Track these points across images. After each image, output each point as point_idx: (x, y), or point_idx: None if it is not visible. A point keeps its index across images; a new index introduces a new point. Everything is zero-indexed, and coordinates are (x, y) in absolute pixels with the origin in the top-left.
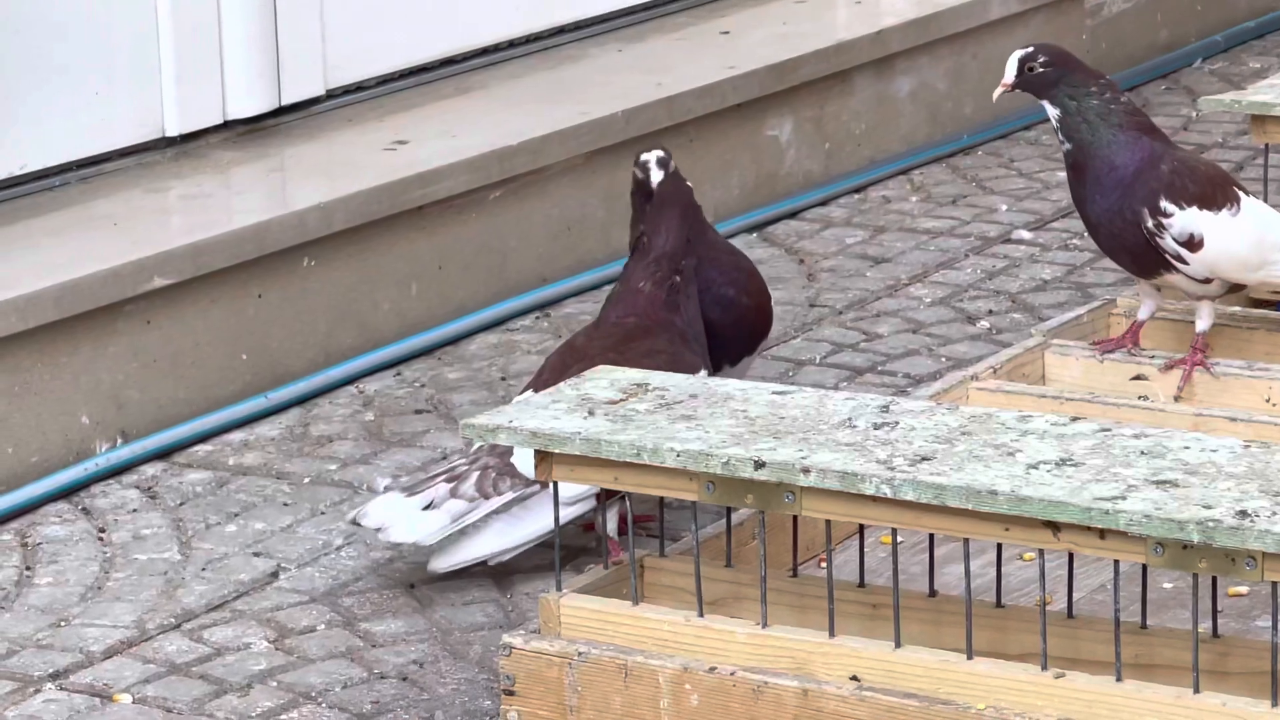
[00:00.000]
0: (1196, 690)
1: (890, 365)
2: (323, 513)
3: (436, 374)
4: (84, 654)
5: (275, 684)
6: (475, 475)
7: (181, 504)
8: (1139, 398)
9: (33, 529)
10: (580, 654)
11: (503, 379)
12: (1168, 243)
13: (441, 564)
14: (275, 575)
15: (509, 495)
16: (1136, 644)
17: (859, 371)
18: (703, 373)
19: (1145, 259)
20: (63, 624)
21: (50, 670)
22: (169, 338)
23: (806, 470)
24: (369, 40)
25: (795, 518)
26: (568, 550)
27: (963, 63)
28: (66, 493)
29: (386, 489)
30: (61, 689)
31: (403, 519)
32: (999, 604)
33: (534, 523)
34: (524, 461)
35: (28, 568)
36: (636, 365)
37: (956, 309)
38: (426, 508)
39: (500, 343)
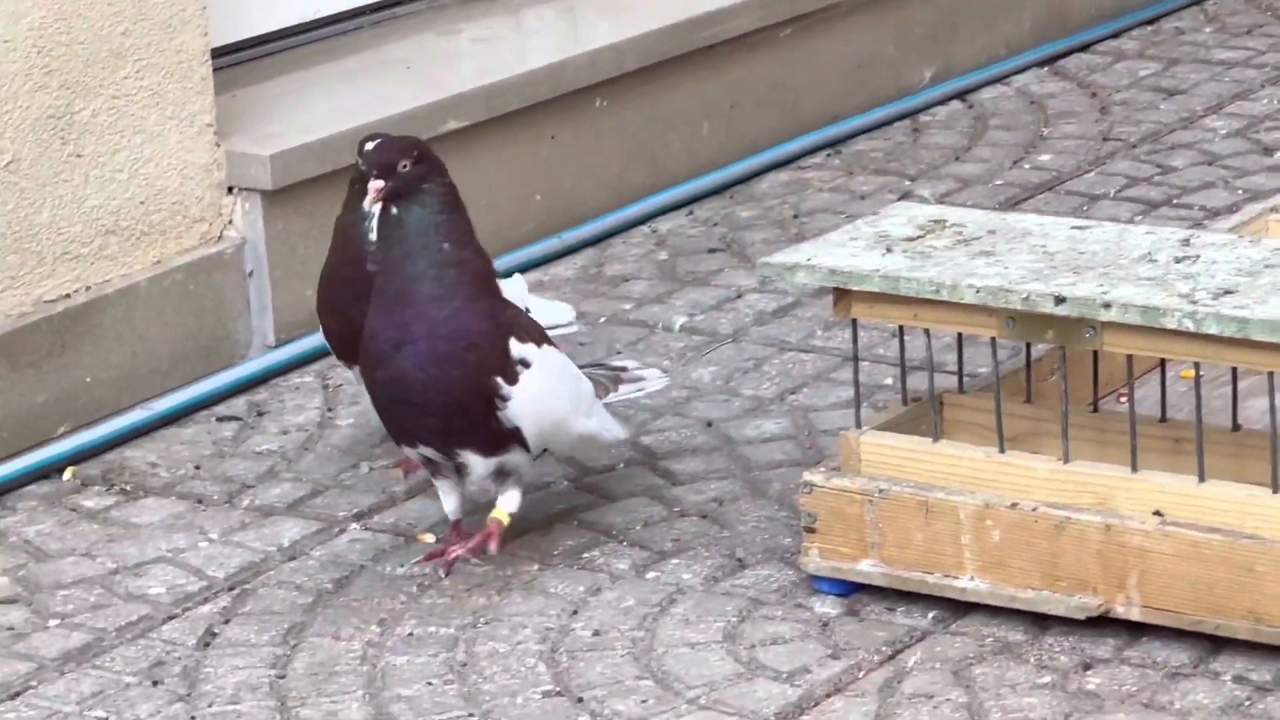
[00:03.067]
0: None
1: (1186, 198)
2: (619, 351)
3: (729, 212)
4: (387, 495)
5: (576, 522)
6: None
7: None
8: None
9: (333, 370)
10: (881, 490)
11: (795, 216)
12: None
13: None
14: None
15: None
16: None
17: (1154, 205)
18: None
19: None
20: (365, 465)
21: (354, 511)
22: (463, 180)
23: (1107, 305)
24: None
25: (1095, 353)
26: (865, 387)
27: None
28: None
29: None
30: (366, 529)
31: None
32: None
33: None
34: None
35: (330, 409)
36: None
37: (1252, 140)
38: None
39: (791, 180)
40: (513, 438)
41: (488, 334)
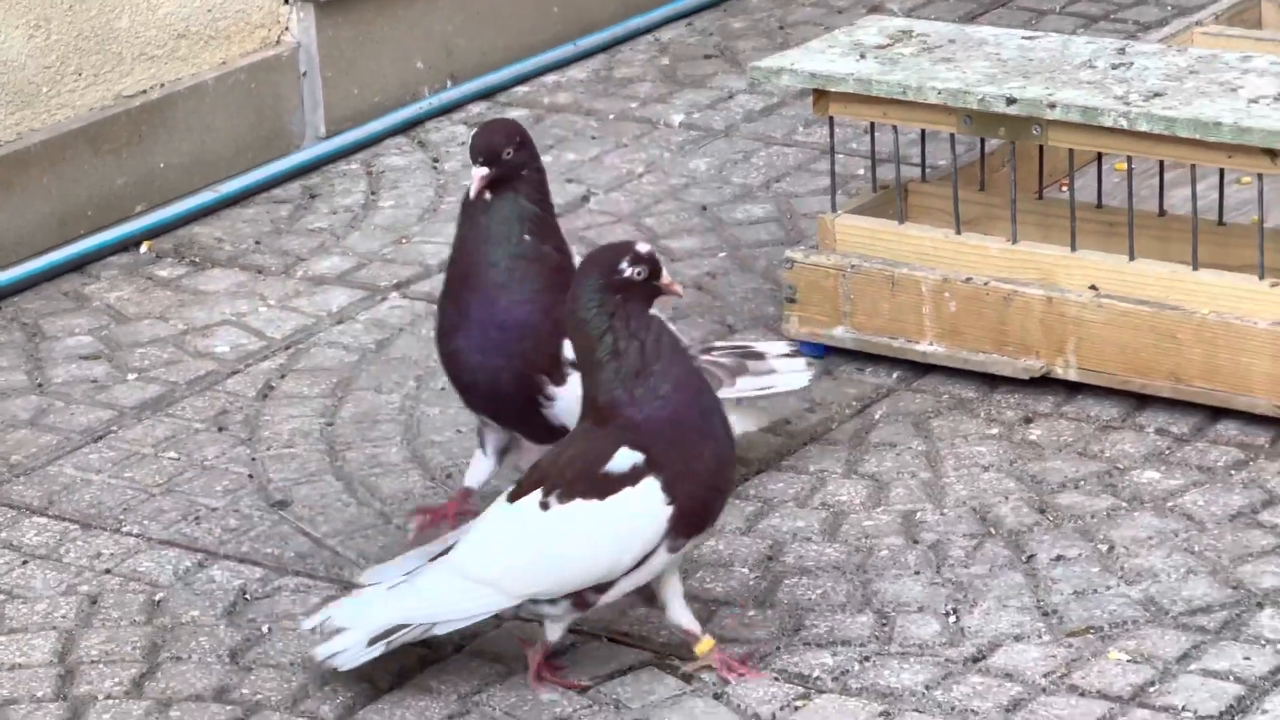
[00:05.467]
0: None
1: (1121, 14)
2: (625, 145)
3: (723, 23)
4: (422, 266)
5: None
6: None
7: None
8: None
9: (376, 159)
10: (853, 266)
11: (780, 27)
12: None
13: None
14: (586, 199)
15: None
16: None
17: (1094, 19)
18: None
19: None
20: (403, 241)
21: (395, 280)
22: None
23: (1052, 105)
24: None
25: (1041, 147)
26: (839, 177)
27: None
28: (404, 128)
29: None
30: (405, 297)
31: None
32: (1221, 222)
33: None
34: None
35: (373, 192)
36: None
37: None
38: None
39: None
40: (561, 434)
41: (542, 331)
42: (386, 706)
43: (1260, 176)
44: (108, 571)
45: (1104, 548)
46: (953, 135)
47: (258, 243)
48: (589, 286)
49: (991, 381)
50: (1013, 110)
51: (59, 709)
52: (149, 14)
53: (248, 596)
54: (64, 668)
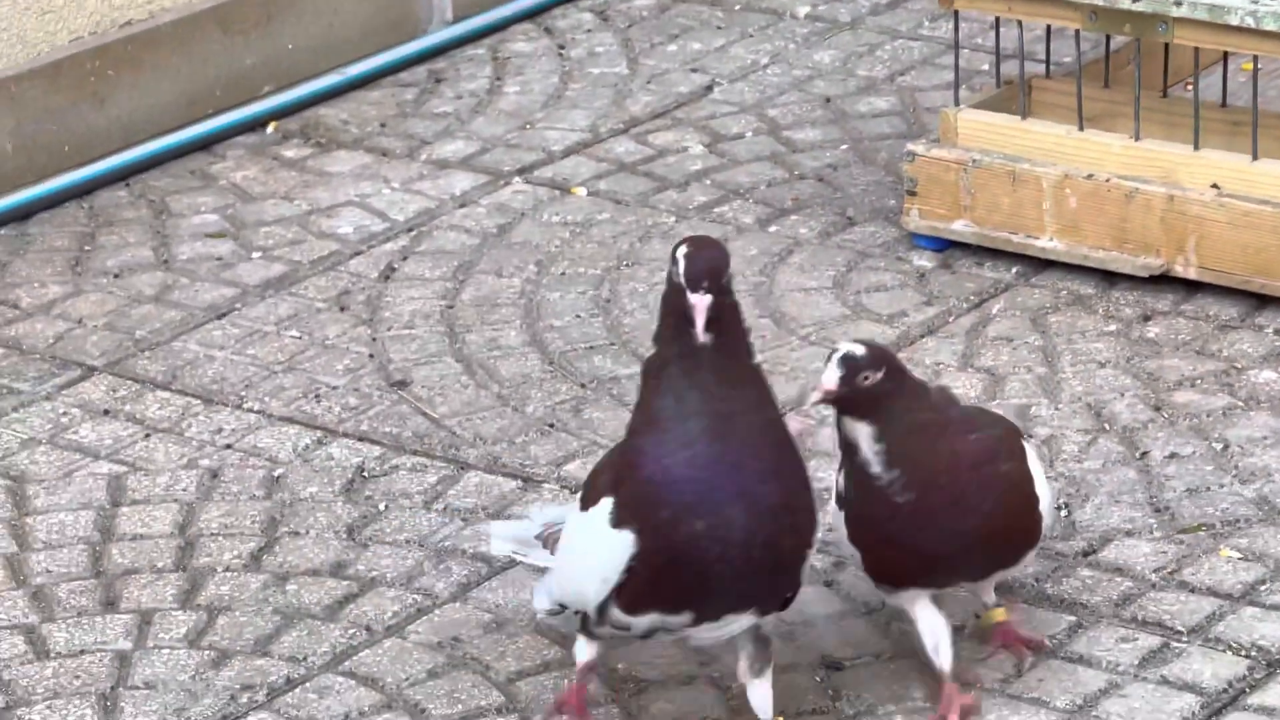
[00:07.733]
0: None
1: None
2: (751, 35)
3: None
4: (546, 153)
5: (709, 182)
6: None
7: (630, 26)
8: None
9: (502, 45)
10: (974, 161)
11: None
12: None
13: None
14: (709, 89)
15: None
16: None
17: None
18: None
19: None
20: (527, 127)
21: (518, 166)
22: None
23: (1179, 3)
24: None
25: (1167, 45)
26: (963, 72)
27: None
28: (531, 14)
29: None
30: (527, 182)
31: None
32: None
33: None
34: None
35: (498, 78)
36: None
37: None
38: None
39: None
40: None
41: None
42: (499, 585)
43: None
44: (228, 446)
45: (1219, 446)
46: (1078, 31)
47: (383, 125)
48: None
49: (1110, 278)
50: (1139, 7)
51: (178, 579)
52: None
53: (365, 474)
54: (184, 539)
